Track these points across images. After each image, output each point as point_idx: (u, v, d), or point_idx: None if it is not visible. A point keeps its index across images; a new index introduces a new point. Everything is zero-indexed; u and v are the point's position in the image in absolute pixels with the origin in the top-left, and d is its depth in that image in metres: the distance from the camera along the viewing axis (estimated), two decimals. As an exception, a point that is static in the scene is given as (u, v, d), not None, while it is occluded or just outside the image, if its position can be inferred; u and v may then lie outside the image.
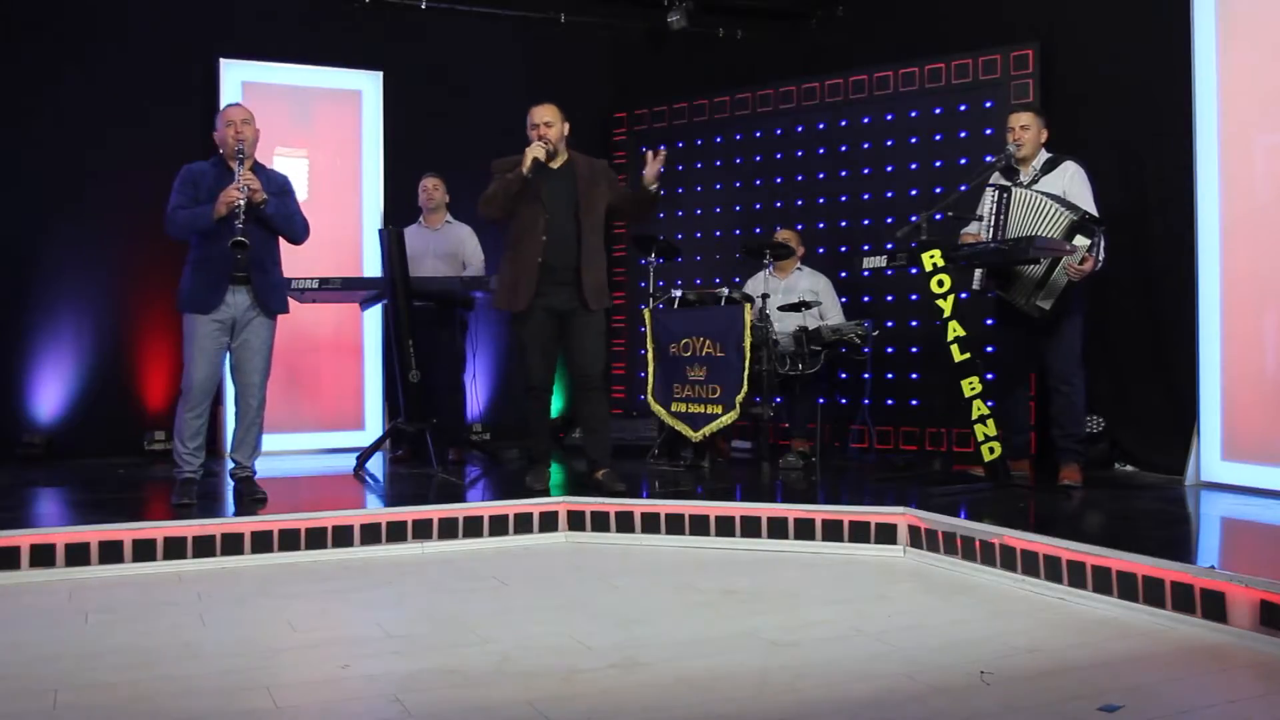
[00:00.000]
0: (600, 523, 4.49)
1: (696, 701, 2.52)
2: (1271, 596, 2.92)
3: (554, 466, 5.13)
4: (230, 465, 4.68)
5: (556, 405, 7.30)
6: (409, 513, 4.34)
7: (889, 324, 6.35)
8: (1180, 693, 2.61)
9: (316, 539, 4.16)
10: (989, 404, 4.70)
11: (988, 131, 6.04)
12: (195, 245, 4.48)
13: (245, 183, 4.35)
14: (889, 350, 6.33)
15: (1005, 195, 4.75)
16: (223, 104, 6.43)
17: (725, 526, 4.37)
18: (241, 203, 4.31)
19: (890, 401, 6.34)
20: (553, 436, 6.97)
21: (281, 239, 4.67)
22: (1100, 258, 4.66)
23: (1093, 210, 4.70)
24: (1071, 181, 4.77)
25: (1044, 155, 4.89)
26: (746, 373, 5.30)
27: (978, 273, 4.93)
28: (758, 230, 6.84)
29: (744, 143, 7.07)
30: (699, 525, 4.40)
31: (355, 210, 6.89)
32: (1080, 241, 4.57)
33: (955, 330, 4.65)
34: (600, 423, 4.88)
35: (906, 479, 5.12)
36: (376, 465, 5.91)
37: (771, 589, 3.64)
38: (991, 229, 4.80)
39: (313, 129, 6.78)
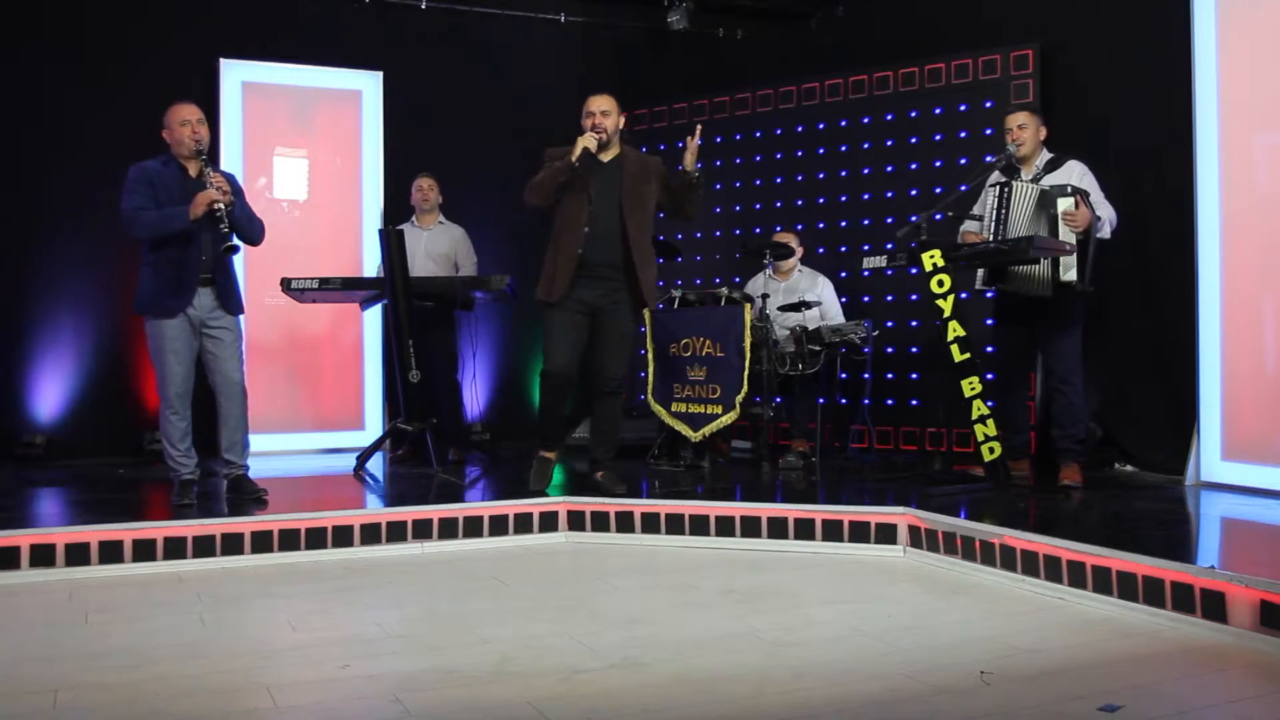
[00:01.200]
0: (600, 523, 4.49)
1: (696, 701, 2.52)
2: (1271, 596, 2.92)
3: (555, 466, 5.12)
4: (224, 468, 4.64)
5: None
6: (409, 513, 4.34)
7: (889, 324, 6.35)
8: (1180, 693, 2.61)
9: (316, 539, 4.16)
10: (989, 404, 4.70)
11: (988, 131, 6.04)
12: (155, 248, 4.35)
13: (216, 184, 4.29)
14: (889, 350, 6.33)
15: (1006, 190, 4.74)
16: (223, 104, 6.48)
17: (725, 526, 4.37)
18: (221, 205, 4.27)
19: (890, 401, 6.34)
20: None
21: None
22: (1098, 217, 4.64)
23: (1104, 200, 4.72)
24: (1080, 180, 4.75)
25: (1046, 155, 4.89)
26: (746, 373, 5.30)
27: (980, 271, 4.93)
28: (758, 230, 6.84)
29: (744, 143, 7.06)
30: (699, 525, 4.40)
31: (355, 210, 6.89)
32: (1064, 204, 4.58)
33: (955, 330, 4.65)
34: (611, 424, 4.85)
35: (906, 479, 5.12)
36: (376, 465, 5.91)
37: (771, 589, 3.65)
38: (993, 224, 4.78)
39: (313, 129, 6.78)
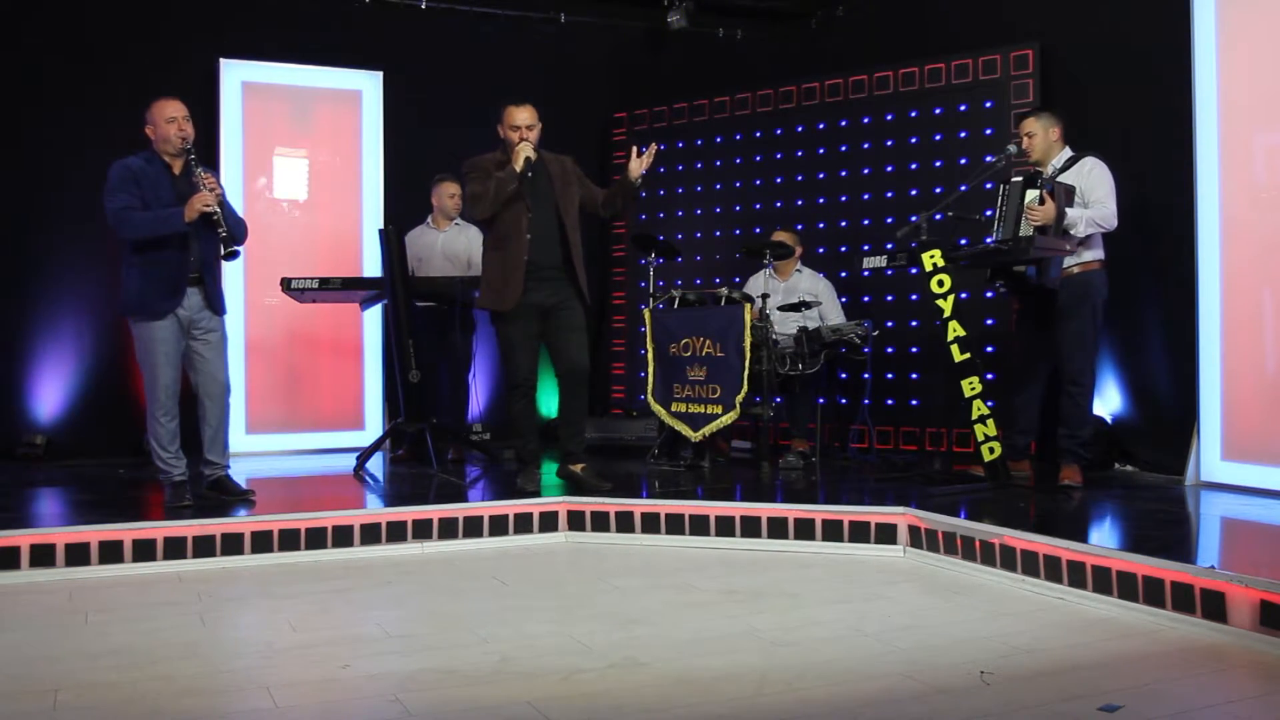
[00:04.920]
0: (600, 523, 4.49)
1: (696, 701, 2.52)
2: (1271, 596, 2.92)
3: (546, 466, 5.14)
4: (206, 468, 4.54)
5: (555, 405, 7.32)
6: (409, 513, 4.34)
7: (889, 324, 6.35)
8: (1180, 693, 2.61)
9: (316, 539, 4.16)
10: (989, 404, 4.70)
11: (988, 131, 6.04)
12: (142, 249, 4.29)
13: (209, 185, 4.26)
14: (889, 350, 6.33)
15: (1006, 188, 4.74)
16: (223, 104, 6.47)
17: (725, 526, 4.37)
18: (215, 209, 4.24)
19: (890, 401, 6.34)
20: (551, 437, 7.00)
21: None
22: (1063, 213, 4.62)
23: (1106, 197, 4.69)
24: (1088, 176, 4.74)
25: (1066, 154, 4.85)
26: (746, 373, 5.29)
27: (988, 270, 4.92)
28: (758, 230, 6.83)
29: (744, 143, 7.06)
30: (699, 525, 4.40)
31: (355, 210, 6.89)
32: (1030, 195, 4.59)
33: (955, 330, 4.65)
34: (582, 416, 4.95)
35: (906, 479, 5.12)
36: (376, 465, 5.91)
37: (771, 589, 3.65)
38: (1000, 218, 4.77)
39: (313, 129, 6.78)
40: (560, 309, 4.74)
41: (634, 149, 4.69)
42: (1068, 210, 4.63)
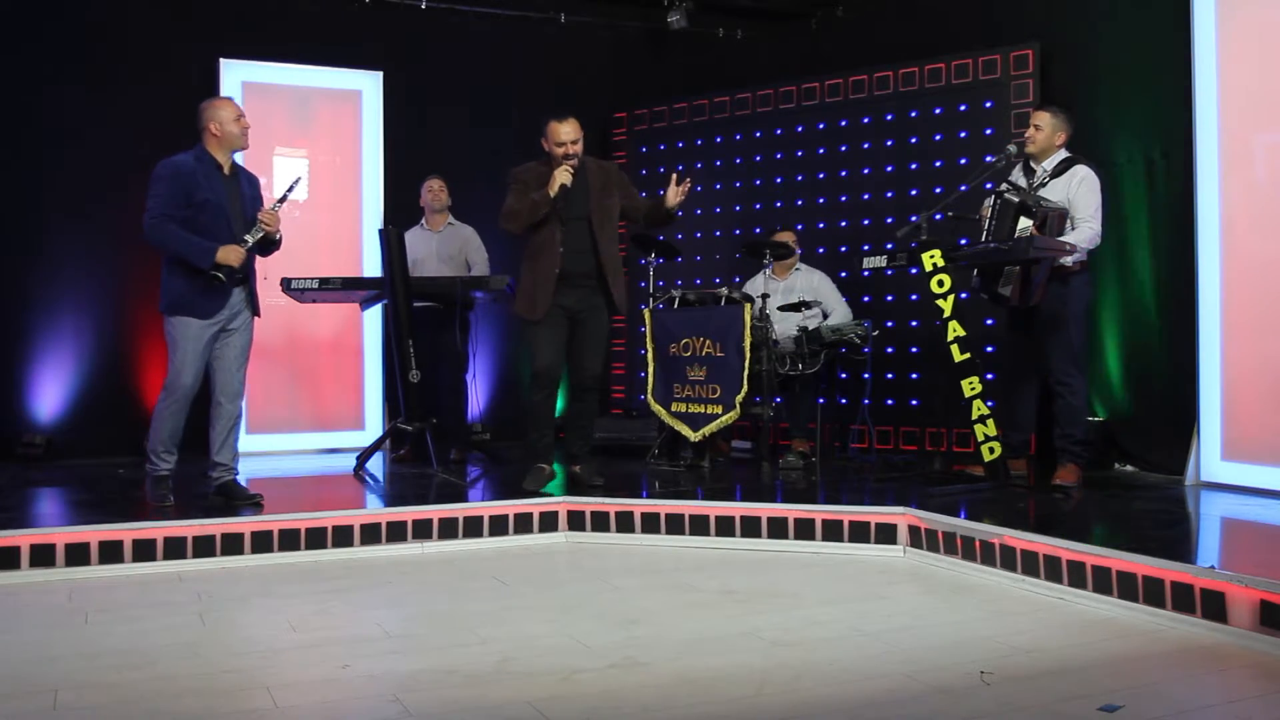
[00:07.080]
0: (600, 523, 4.49)
1: (696, 701, 2.52)
2: (1271, 596, 2.92)
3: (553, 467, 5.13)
4: (213, 470, 4.48)
5: (559, 405, 7.31)
6: (409, 513, 4.34)
7: (889, 324, 6.35)
8: (1180, 693, 2.61)
9: (316, 539, 4.16)
10: (989, 404, 4.70)
11: (988, 131, 6.04)
12: None
13: (266, 223, 4.39)
14: (889, 350, 6.33)
15: (998, 202, 4.72)
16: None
17: (725, 526, 4.37)
18: (237, 264, 4.30)
19: (890, 401, 6.34)
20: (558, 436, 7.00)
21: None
22: (1065, 240, 4.61)
23: (1092, 216, 4.66)
24: (1079, 187, 4.69)
25: (1060, 156, 4.82)
26: (746, 373, 5.30)
27: (974, 273, 4.92)
28: (758, 230, 6.83)
29: (744, 143, 7.06)
30: (699, 525, 4.40)
31: (355, 210, 6.89)
32: (1024, 222, 4.57)
33: (955, 330, 4.65)
34: (589, 420, 5.12)
35: (906, 479, 5.12)
36: (376, 465, 5.91)
37: (771, 589, 3.65)
38: (987, 231, 4.77)
39: (313, 129, 6.78)
40: (587, 317, 4.81)
41: (674, 176, 4.77)
42: (1061, 240, 4.57)
